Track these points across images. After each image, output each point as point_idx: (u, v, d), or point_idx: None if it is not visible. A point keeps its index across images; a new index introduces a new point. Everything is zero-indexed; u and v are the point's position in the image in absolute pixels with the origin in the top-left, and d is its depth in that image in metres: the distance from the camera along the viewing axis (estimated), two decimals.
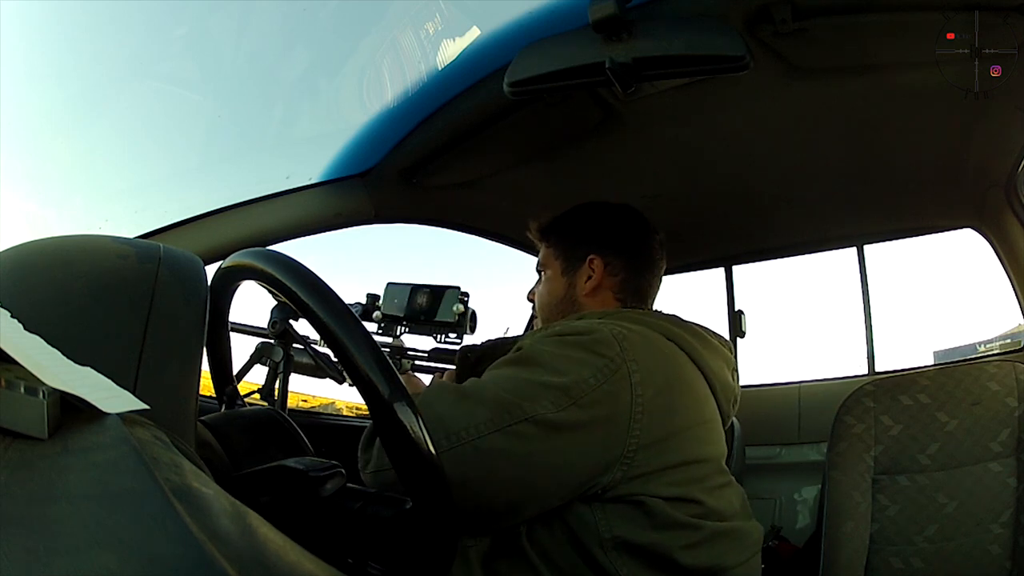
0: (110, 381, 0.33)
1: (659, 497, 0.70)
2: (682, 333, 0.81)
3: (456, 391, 0.68)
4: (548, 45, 0.88)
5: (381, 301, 1.16)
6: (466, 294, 1.10)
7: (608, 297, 0.91)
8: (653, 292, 0.94)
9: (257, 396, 0.96)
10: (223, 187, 1.20)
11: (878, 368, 1.83)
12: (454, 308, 1.10)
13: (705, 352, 0.82)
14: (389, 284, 1.17)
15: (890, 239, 1.80)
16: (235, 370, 0.84)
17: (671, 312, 0.88)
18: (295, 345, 1.02)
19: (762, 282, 2.01)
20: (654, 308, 0.95)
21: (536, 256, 0.97)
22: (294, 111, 1.26)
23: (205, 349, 0.62)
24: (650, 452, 0.70)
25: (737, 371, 0.90)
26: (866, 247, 1.83)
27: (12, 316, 0.35)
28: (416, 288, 1.14)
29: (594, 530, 0.69)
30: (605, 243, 0.91)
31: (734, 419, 1.19)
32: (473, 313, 1.12)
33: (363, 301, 1.18)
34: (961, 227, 1.64)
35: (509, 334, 1.30)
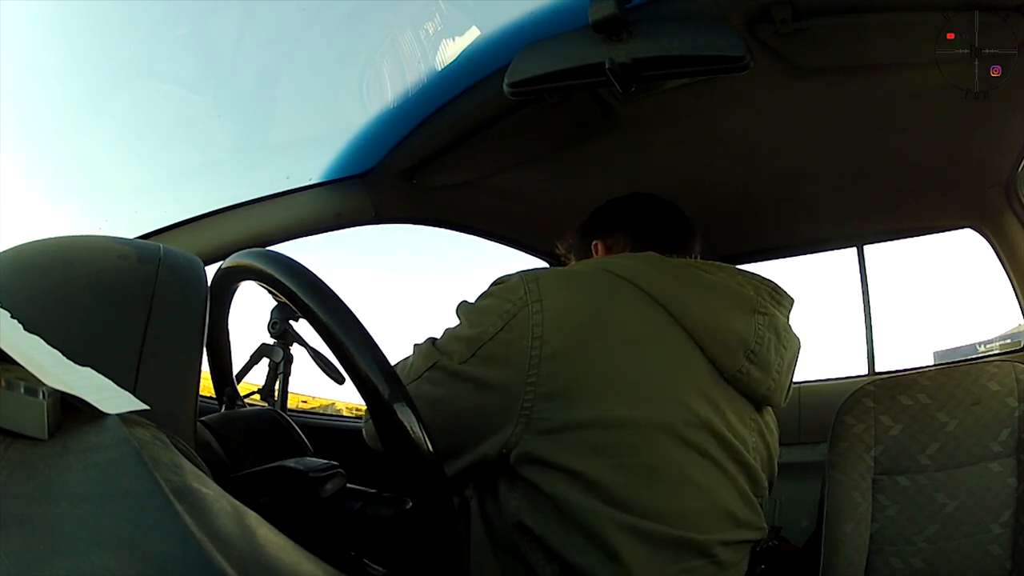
0: (110, 381, 0.33)
1: (558, 468, 0.64)
2: (648, 269, 0.71)
3: (423, 345, 0.73)
4: (548, 45, 0.88)
5: None
6: None
7: None
8: (673, 242, 0.82)
9: (257, 396, 0.96)
10: (223, 187, 1.20)
11: (878, 368, 1.83)
12: None
13: (684, 290, 0.70)
14: None
15: (890, 239, 1.80)
16: (235, 370, 0.84)
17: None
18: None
19: None
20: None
21: (535, 255, 0.97)
22: (294, 111, 1.26)
23: (205, 349, 0.62)
24: (552, 404, 0.64)
25: (766, 314, 0.74)
26: (866, 247, 1.83)
27: (12, 316, 0.35)
28: None
29: (506, 508, 0.68)
30: (606, 227, 0.88)
31: None
32: None
33: None
34: (961, 227, 1.64)
35: None
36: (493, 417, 0.66)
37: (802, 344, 0.82)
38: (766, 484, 0.75)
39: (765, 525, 0.75)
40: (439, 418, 0.64)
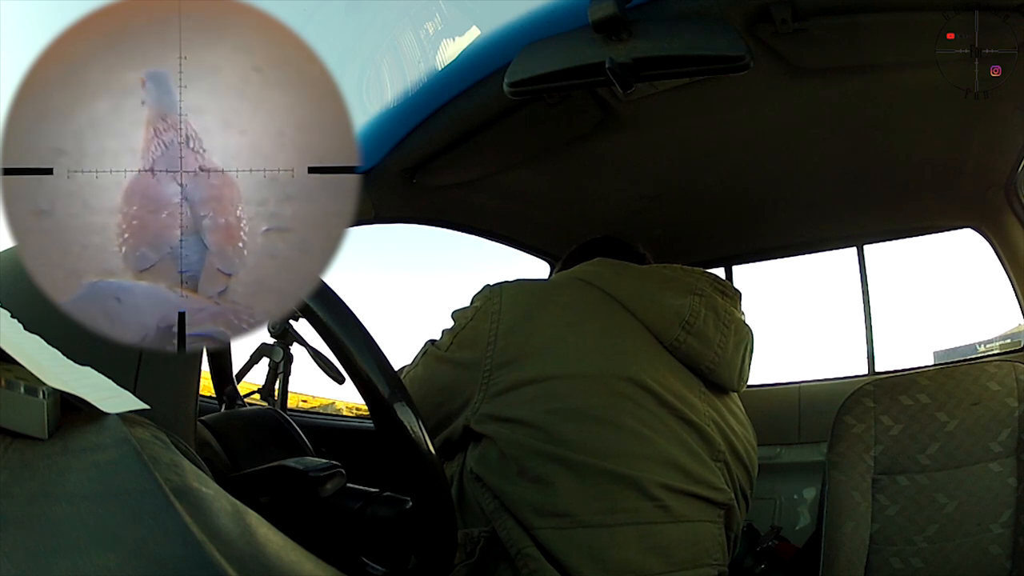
0: (110, 381, 0.33)
1: (502, 419, 0.75)
2: (592, 268, 0.87)
3: (424, 345, 0.89)
4: (548, 45, 0.88)
5: None
6: None
7: None
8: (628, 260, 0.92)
9: (257, 396, 0.96)
10: None
11: (878, 368, 1.83)
12: None
13: (623, 278, 0.84)
14: None
15: (890, 239, 1.80)
16: (235, 370, 0.84)
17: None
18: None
19: (762, 282, 2.00)
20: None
21: (535, 255, 0.99)
22: None
23: (205, 349, 0.62)
24: (504, 370, 0.77)
25: (703, 295, 0.83)
26: (866, 247, 1.83)
27: (12, 316, 0.35)
28: None
29: (466, 466, 0.78)
30: (578, 260, 0.95)
31: None
32: None
33: None
34: (961, 227, 1.63)
35: None
36: (463, 390, 0.79)
37: (754, 338, 0.90)
38: (723, 449, 0.80)
39: (728, 488, 0.79)
40: (425, 395, 0.80)
